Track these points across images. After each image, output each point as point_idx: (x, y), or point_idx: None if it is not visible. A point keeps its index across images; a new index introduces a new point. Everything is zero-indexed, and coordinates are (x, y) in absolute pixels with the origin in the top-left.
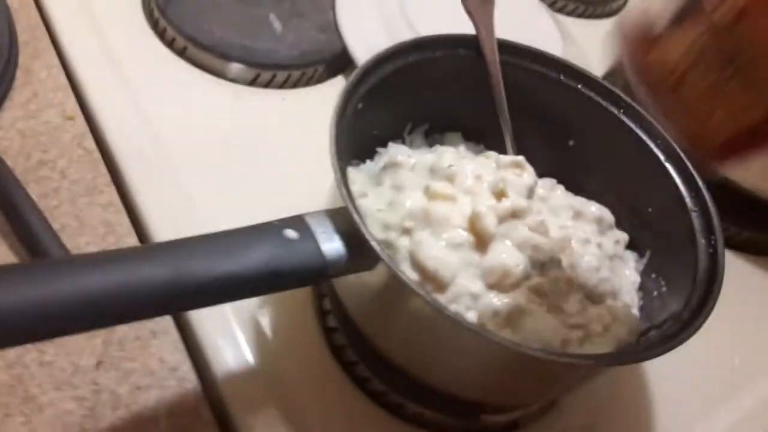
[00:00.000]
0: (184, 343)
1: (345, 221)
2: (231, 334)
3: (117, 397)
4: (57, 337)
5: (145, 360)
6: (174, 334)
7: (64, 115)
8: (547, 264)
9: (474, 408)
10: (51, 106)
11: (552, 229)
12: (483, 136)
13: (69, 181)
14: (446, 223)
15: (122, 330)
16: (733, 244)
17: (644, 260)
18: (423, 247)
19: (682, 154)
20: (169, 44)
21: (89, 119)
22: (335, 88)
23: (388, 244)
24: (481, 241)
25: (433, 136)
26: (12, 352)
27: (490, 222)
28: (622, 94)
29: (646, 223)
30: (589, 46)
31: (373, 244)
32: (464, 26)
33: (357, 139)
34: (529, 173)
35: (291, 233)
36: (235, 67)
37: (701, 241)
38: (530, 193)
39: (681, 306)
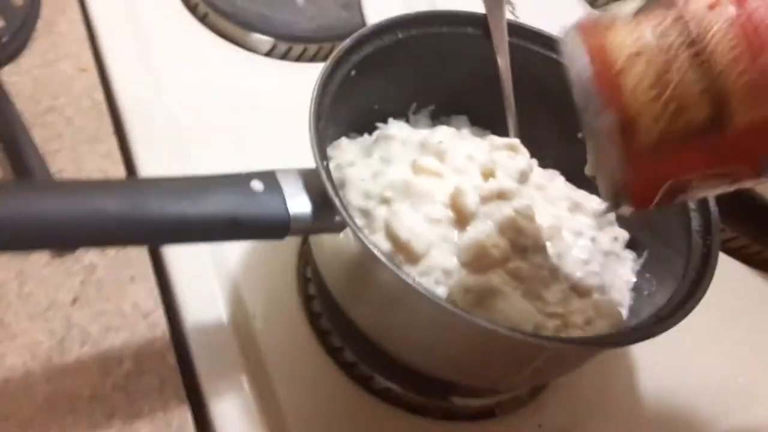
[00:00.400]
0: (160, 290)
1: (316, 181)
2: (208, 287)
3: (87, 334)
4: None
5: (120, 303)
6: (152, 281)
7: (78, 66)
8: (530, 249)
9: (443, 387)
10: (67, 57)
11: (543, 216)
12: (491, 122)
13: (73, 128)
14: (428, 198)
15: (102, 272)
16: (756, 262)
17: (641, 260)
18: (399, 218)
19: None
20: (192, 9)
21: (102, 72)
22: None
23: (365, 212)
24: (462, 219)
25: (440, 118)
26: None
27: (471, 200)
28: None
29: (647, 222)
30: None
31: (337, 203)
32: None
33: (355, 111)
34: (523, 156)
35: (257, 185)
36: (254, 37)
37: (697, 241)
38: (522, 177)
39: (664, 302)
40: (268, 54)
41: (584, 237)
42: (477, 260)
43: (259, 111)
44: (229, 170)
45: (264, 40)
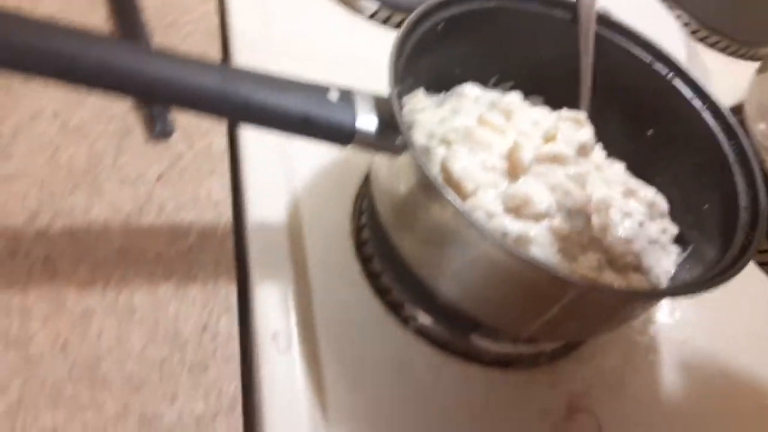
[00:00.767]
0: (232, 187)
1: (386, 106)
2: (274, 194)
3: (163, 208)
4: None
5: (196, 189)
6: (227, 177)
7: None
8: (574, 213)
9: (467, 324)
10: None
11: (595, 190)
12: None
13: (187, 45)
14: (486, 147)
15: (187, 161)
16: None
17: (685, 254)
18: (456, 157)
19: (752, 159)
20: None
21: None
22: None
23: (425, 150)
24: (514, 171)
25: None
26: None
27: (527, 155)
28: (713, 95)
29: (698, 221)
30: (717, 79)
31: (401, 123)
32: None
33: (436, 68)
34: (586, 131)
35: (334, 95)
36: (361, 1)
37: (740, 236)
38: (582, 150)
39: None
40: (372, 17)
41: (633, 220)
42: (521, 209)
43: (348, 68)
44: None
45: (369, 5)
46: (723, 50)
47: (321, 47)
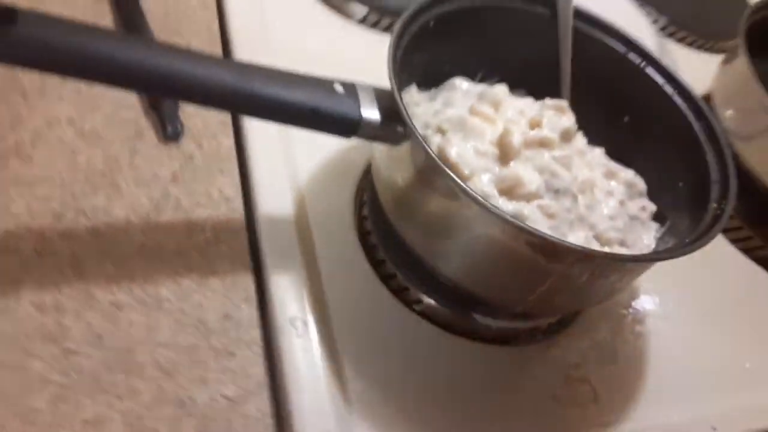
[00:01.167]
0: (242, 184)
1: (387, 97)
2: (280, 189)
3: (179, 205)
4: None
5: (209, 187)
6: (236, 175)
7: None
8: (562, 192)
9: (469, 302)
10: None
11: (579, 172)
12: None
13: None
14: (478, 135)
15: (198, 161)
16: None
17: (663, 229)
18: (451, 144)
19: (720, 136)
20: None
21: (220, 8)
22: None
23: (423, 139)
24: (505, 156)
25: None
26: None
27: (516, 139)
28: (682, 81)
29: (674, 198)
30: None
31: (403, 112)
32: None
33: (427, 63)
34: (568, 117)
35: (339, 88)
36: (351, 5)
37: (712, 206)
38: (565, 135)
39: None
40: (361, 22)
41: (614, 199)
42: (513, 190)
43: (341, 69)
44: None
45: (359, 10)
46: (690, 45)
47: (314, 49)
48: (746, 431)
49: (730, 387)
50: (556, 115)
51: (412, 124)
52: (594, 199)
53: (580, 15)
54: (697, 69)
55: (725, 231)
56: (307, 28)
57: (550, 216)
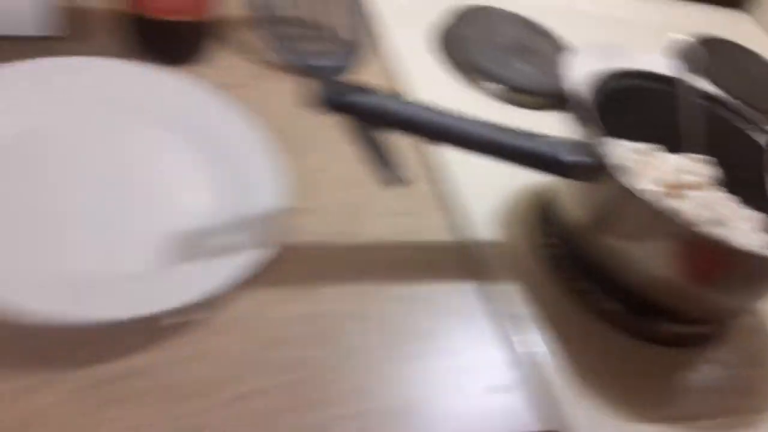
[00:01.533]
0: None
1: (589, 147)
2: (487, 224)
3: (409, 233)
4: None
5: (434, 220)
6: (452, 209)
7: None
8: (713, 222)
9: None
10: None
11: (723, 209)
12: None
13: None
14: (642, 176)
15: (419, 198)
16: None
17: None
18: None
19: None
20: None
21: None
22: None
23: None
24: (669, 194)
25: None
26: None
27: (673, 178)
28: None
29: None
30: None
31: (609, 161)
32: None
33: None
34: (710, 168)
35: (556, 140)
36: (487, 84)
37: None
38: (710, 181)
39: None
40: (496, 96)
41: (753, 234)
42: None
43: None
44: None
45: (494, 87)
46: None
47: None
48: None
49: None
50: (702, 168)
51: (617, 166)
52: (737, 231)
53: (703, 95)
54: None
55: None
56: (450, 100)
57: None
